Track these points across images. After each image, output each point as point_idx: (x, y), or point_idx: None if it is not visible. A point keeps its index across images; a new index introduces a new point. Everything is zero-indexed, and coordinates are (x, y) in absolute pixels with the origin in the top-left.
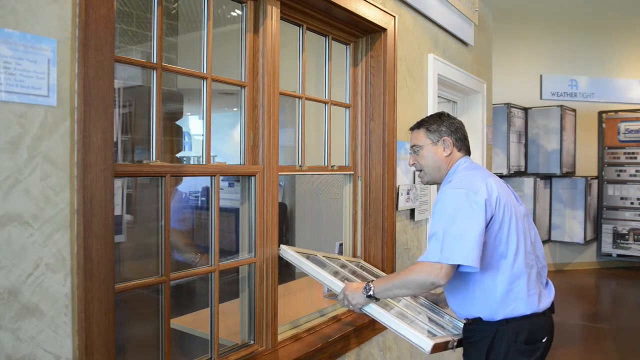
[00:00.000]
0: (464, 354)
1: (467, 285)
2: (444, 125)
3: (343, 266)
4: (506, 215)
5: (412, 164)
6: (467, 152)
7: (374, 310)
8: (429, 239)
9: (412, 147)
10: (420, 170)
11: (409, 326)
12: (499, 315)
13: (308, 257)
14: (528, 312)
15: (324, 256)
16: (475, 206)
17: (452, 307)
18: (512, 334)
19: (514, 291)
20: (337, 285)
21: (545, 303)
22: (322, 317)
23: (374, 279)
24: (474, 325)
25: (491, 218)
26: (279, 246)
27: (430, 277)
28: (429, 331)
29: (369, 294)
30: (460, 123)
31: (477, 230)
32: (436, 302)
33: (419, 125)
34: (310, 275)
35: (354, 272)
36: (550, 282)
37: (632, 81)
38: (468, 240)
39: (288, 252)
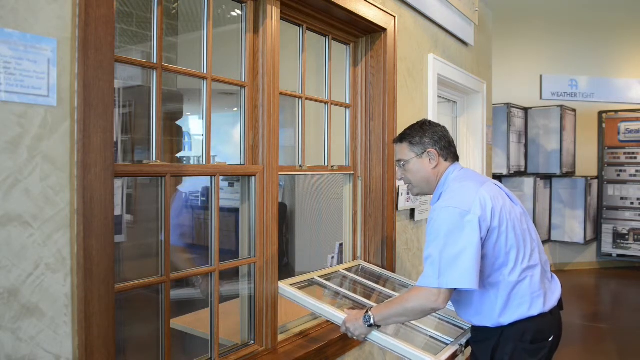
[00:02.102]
0: (471, 354)
1: (471, 296)
2: (426, 136)
3: (344, 278)
4: (503, 224)
5: (400, 178)
6: (455, 158)
7: (376, 337)
8: (424, 261)
9: (397, 161)
10: (409, 184)
11: (413, 348)
12: (505, 322)
13: (308, 284)
14: (534, 314)
15: (320, 276)
16: (469, 225)
17: (458, 314)
18: (518, 334)
19: (518, 297)
20: (338, 317)
21: (551, 302)
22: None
23: (373, 305)
24: (481, 328)
25: (487, 232)
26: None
27: (429, 303)
28: (438, 340)
29: (369, 323)
30: (444, 130)
31: (473, 250)
32: None
33: (401, 138)
34: (313, 312)
35: (354, 283)
36: (555, 276)
37: (632, 81)
38: (465, 262)
39: (287, 291)
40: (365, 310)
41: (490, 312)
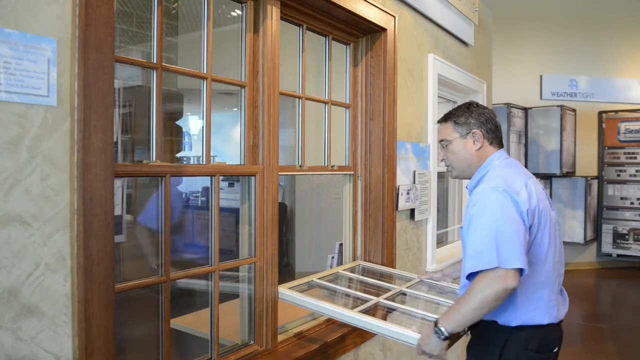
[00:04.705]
0: (470, 355)
1: None
2: (472, 116)
3: (344, 278)
4: (542, 223)
5: (442, 159)
6: (500, 144)
7: (368, 324)
8: (470, 243)
9: (440, 141)
10: (450, 165)
11: (403, 328)
12: (516, 322)
13: (308, 287)
14: (545, 322)
15: (319, 278)
16: (518, 206)
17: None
18: (524, 341)
19: (537, 300)
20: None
21: (561, 314)
22: (322, 317)
23: (435, 317)
24: (486, 327)
25: (530, 225)
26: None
27: (499, 284)
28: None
29: (444, 337)
30: (491, 113)
31: (523, 231)
32: (439, 280)
33: (446, 117)
34: (325, 314)
35: (356, 282)
36: (564, 290)
37: (632, 81)
38: (519, 243)
39: (287, 294)
40: (433, 325)
41: (505, 306)
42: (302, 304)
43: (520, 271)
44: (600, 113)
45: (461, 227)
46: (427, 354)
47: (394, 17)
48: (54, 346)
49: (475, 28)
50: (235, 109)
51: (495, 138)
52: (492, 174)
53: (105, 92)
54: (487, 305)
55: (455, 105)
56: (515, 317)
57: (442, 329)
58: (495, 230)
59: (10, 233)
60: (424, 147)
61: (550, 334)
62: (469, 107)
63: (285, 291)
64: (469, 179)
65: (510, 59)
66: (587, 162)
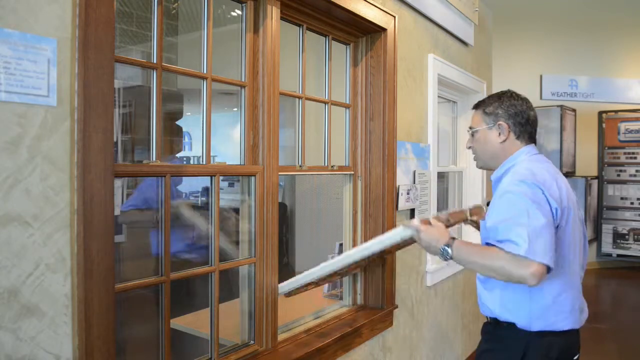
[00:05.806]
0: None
1: (511, 284)
2: (501, 107)
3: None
4: (569, 222)
5: (468, 147)
6: (531, 139)
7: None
8: (499, 212)
9: (469, 128)
10: (475, 154)
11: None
12: (537, 326)
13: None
14: (566, 328)
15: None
16: (548, 202)
17: (484, 302)
18: (545, 349)
19: (560, 304)
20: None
21: (582, 319)
22: (322, 317)
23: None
24: (503, 332)
25: (557, 225)
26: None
27: (520, 272)
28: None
29: (450, 256)
30: (523, 105)
31: (552, 227)
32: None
33: (477, 104)
34: (329, 272)
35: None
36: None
37: (632, 81)
38: (550, 237)
39: (284, 284)
40: (447, 241)
41: (527, 308)
42: (301, 281)
43: (547, 269)
44: (600, 113)
45: (482, 220)
46: (422, 242)
47: (394, 17)
48: (54, 346)
49: (475, 28)
50: (235, 109)
51: (525, 132)
52: (519, 167)
53: (105, 92)
54: (495, 275)
55: (456, 105)
56: (537, 322)
57: (450, 250)
58: (528, 213)
59: (10, 233)
60: (424, 147)
61: (571, 340)
62: (501, 97)
63: (281, 284)
64: (492, 170)
65: (510, 59)
66: (587, 162)
